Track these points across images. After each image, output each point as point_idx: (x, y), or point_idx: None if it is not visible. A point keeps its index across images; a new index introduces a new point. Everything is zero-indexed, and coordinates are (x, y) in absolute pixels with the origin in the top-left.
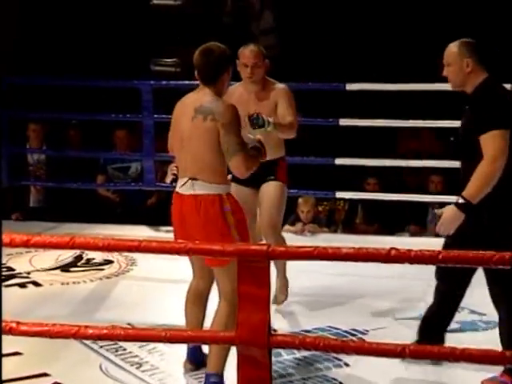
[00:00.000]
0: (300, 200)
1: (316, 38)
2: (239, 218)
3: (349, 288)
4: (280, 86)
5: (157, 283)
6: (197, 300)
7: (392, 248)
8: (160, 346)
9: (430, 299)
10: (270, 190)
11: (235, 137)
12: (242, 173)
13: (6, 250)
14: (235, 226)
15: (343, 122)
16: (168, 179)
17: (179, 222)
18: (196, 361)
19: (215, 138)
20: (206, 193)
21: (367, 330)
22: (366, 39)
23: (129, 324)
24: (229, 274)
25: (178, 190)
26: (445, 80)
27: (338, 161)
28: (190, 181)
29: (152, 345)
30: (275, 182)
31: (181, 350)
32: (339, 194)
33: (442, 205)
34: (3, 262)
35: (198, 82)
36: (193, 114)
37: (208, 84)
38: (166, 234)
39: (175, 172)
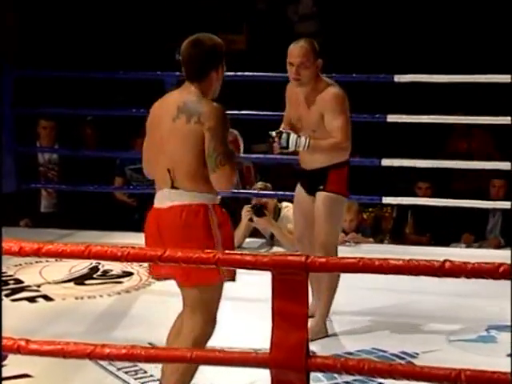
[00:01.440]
0: None
1: (361, 25)
2: (226, 233)
3: (397, 306)
4: (331, 90)
5: (181, 298)
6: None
7: (446, 260)
8: None
9: (488, 319)
10: (318, 204)
11: (221, 145)
12: (224, 187)
13: (14, 261)
14: (222, 243)
15: (391, 118)
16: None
17: (154, 241)
18: None
19: (199, 143)
20: (187, 203)
21: (417, 353)
22: (418, 25)
23: (150, 344)
24: (207, 291)
25: (155, 205)
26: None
27: (385, 161)
28: (170, 189)
29: None
30: (324, 194)
31: (208, 373)
32: (386, 200)
33: (505, 211)
34: (11, 273)
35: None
36: (175, 113)
37: (194, 81)
38: None
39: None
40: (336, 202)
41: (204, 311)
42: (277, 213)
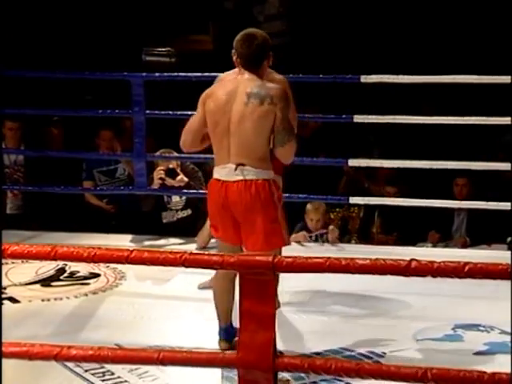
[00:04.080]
0: (309, 206)
1: (328, 25)
2: (282, 206)
3: (364, 305)
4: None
5: (148, 299)
6: (231, 287)
7: (412, 259)
8: (152, 369)
9: (454, 318)
10: None
11: (288, 123)
12: (289, 160)
13: None
14: (280, 213)
15: (358, 118)
16: (156, 185)
17: (221, 209)
18: (229, 338)
19: (269, 123)
20: (255, 178)
21: (385, 353)
22: (385, 24)
23: (117, 345)
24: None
25: (219, 177)
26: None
27: (352, 162)
28: (237, 167)
29: (143, 368)
30: None
31: (175, 375)
32: (353, 200)
33: (470, 211)
34: None
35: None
36: (245, 98)
37: (251, 69)
38: (156, 242)
39: (162, 176)
40: None
41: None
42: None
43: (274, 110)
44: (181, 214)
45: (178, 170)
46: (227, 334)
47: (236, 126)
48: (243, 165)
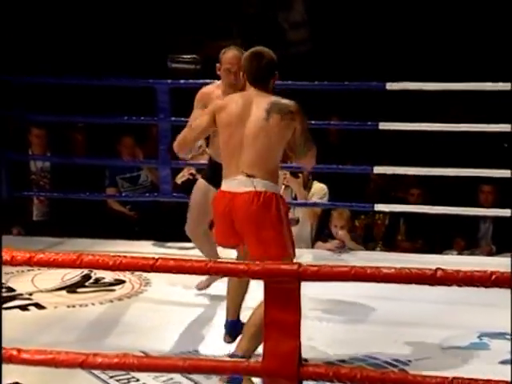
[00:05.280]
0: (334, 213)
1: (353, 32)
2: (287, 221)
3: (389, 314)
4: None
5: (174, 306)
6: (245, 282)
7: (438, 268)
8: (177, 376)
9: (480, 326)
10: None
11: (308, 134)
12: (311, 166)
13: (5, 269)
14: (286, 227)
15: (383, 125)
16: (180, 180)
17: (225, 219)
18: (235, 332)
19: (288, 137)
20: (265, 190)
21: (410, 361)
22: (410, 32)
23: (142, 352)
24: None
25: (227, 189)
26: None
27: (377, 169)
28: (247, 178)
29: (168, 375)
30: None
31: (201, 381)
32: (378, 207)
33: (495, 219)
34: (3, 281)
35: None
36: (264, 114)
37: (259, 85)
38: (184, 252)
39: (193, 171)
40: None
41: None
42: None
43: (293, 125)
44: None
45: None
46: (233, 328)
47: (252, 139)
48: (254, 177)
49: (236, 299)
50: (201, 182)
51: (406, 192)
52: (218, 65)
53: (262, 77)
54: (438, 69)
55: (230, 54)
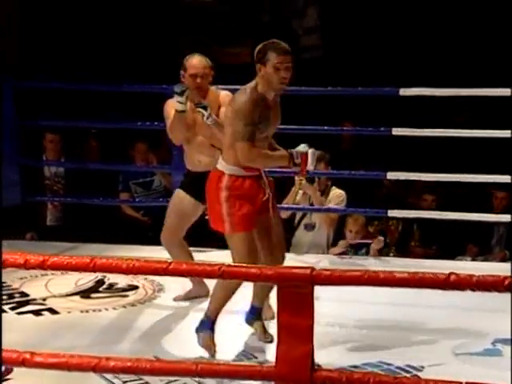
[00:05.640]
0: (349, 218)
1: (365, 38)
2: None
3: (402, 318)
4: (223, 92)
5: (187, 311)
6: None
7: (451, 273)
8: (190, 381)
9: (494, 332)
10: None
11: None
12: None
13: (19, 274)
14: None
15: (396, 131)
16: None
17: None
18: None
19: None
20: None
21: (423, 366)
22: (423, 37)
23: (155, 356)
24: (237, 240)
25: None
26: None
27: (391, 175)
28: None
29: (181, 380)
30: None
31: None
32: (392, 213)
33: (509, 225)
34: (16, 286)
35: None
36: None
37: None
38: (196, 257)
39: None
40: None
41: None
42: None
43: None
44: None
45: None
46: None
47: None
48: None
49: (265, 286)
50: (178, 191)
51: (418, 198)
52: (182, 72)
53: None
54: (451, 74)
55: (195, 60)
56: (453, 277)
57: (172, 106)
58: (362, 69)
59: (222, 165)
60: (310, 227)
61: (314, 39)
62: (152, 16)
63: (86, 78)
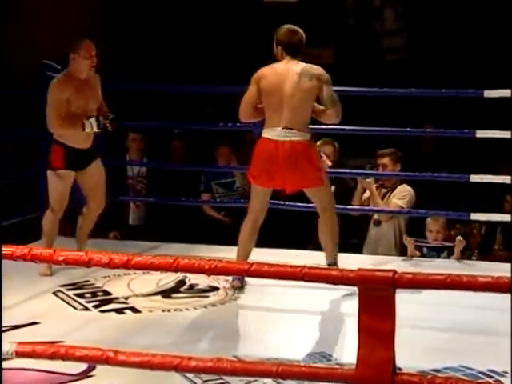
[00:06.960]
0: (429, 219)
1: (449, 39)
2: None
3: (485, 323)
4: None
5: (266, 313)
6: (254, 233)
7: None
8: (270, 382)
9: None
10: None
11: (333, 92)
12: (337, 119)
13: (102, 272)
14: (319, 162)
15: (480, 133)
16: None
17: (269, 162)
18: (241, 279)
19: (315, 95)
20: (301, 139)
21: (506, 372)
22: (508, 38)
23: (235, 357)
24: (326, 189)
25: (270, 136)
26: None
27: (474, 177)
28: (284, 129)
29: (261, 381)
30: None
31: None
32: (474, 216)
33: None
34: (99, 285)
35: None
36: (297, 78)
37: (295, 56)
38: (278, 258)
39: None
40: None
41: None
42: None
43: (318, 84)
44: None
45: None
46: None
47: (288, 99)
48: (291, 129)
49: (243, 249)
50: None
51: (500, 199)
52: (74, 55)
53: (296, 48)
54: None
55: (87, 43)
56: None
57: None
58: (446, 70)
59: (301, 135)
60: (378, 222)
61: (395, 41)
62: (236, 18)
63: (171, 80)
